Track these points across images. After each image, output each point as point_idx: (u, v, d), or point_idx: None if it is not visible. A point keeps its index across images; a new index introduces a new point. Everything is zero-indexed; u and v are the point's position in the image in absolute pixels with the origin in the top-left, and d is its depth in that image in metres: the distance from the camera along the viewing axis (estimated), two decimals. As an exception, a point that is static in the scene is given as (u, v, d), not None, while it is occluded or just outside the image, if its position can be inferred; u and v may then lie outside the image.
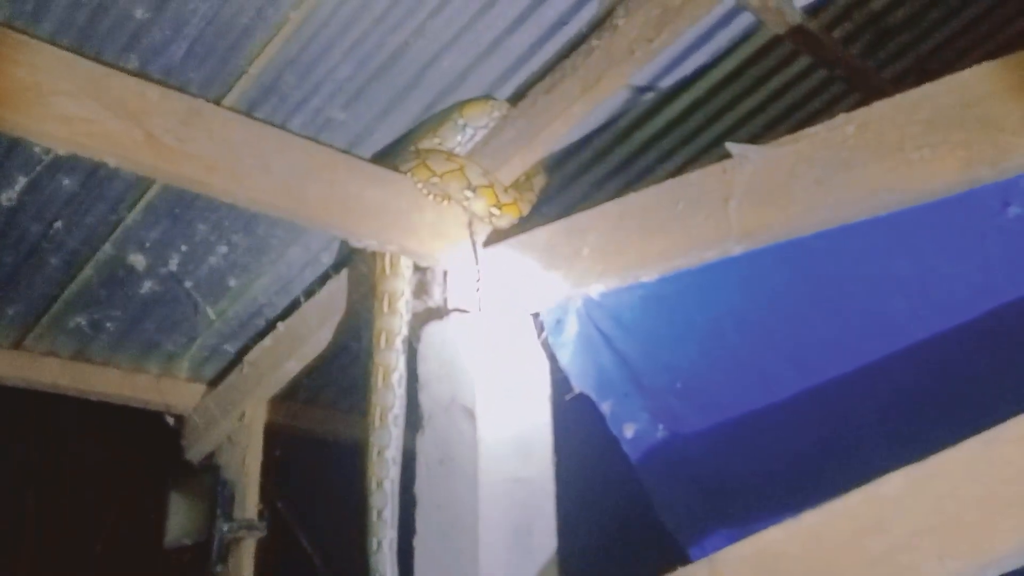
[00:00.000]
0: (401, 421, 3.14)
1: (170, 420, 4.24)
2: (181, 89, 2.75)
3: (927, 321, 2.24)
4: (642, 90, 3.18)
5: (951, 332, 2.19)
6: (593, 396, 3.02)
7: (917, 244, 2.21)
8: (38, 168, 3.04)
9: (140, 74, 2.67)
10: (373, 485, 3.11)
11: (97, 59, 2.58)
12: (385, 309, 3.16)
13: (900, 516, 1.84)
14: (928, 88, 2.15)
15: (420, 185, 3.04)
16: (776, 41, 3.11)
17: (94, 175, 3.10)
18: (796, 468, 2.48)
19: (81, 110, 2.47)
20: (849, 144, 2.26)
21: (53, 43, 2.50)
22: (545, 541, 2.89)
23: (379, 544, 3.07)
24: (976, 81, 2.07)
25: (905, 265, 2.24)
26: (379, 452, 3.11)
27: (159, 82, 2.70)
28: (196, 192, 3.01)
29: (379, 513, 3.09)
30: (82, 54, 2.55)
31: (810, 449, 2.47)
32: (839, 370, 2.41)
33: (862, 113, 2.28)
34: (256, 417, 4.13)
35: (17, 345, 3.83)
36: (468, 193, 3.01)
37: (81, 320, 3.80)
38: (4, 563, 4.25)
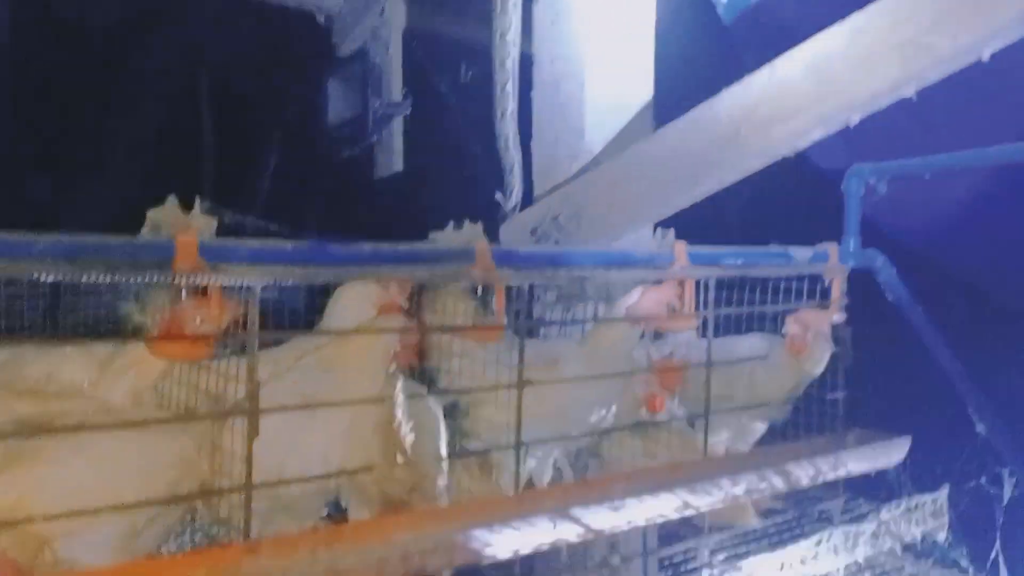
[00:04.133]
0: (519, 7, 3.50)
1: (320, 19, 4.79)
2: None
3: None
4: None
5: None
6: (692, -40, 3.29)
7: None
8: None
9: None
10: (497, 63, 3.55)
11: None
12: None
13: (927, 5, 2.16)
14: None
15: None
16: None
17: None
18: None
19: None
20: None
21: None
22: (643, 89, 3.35)
23: (503, 112, 3.58)
24: None
25: None
26: (501, 35, 3.51)
27: None
28: None
29: (503, 87, 3.57)
30: None
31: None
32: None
33: None
34: (396, 12, 4.63)
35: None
36: None
37: (235, -79, 4.24)
38: (192, 141, 5.09)
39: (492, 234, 3.58)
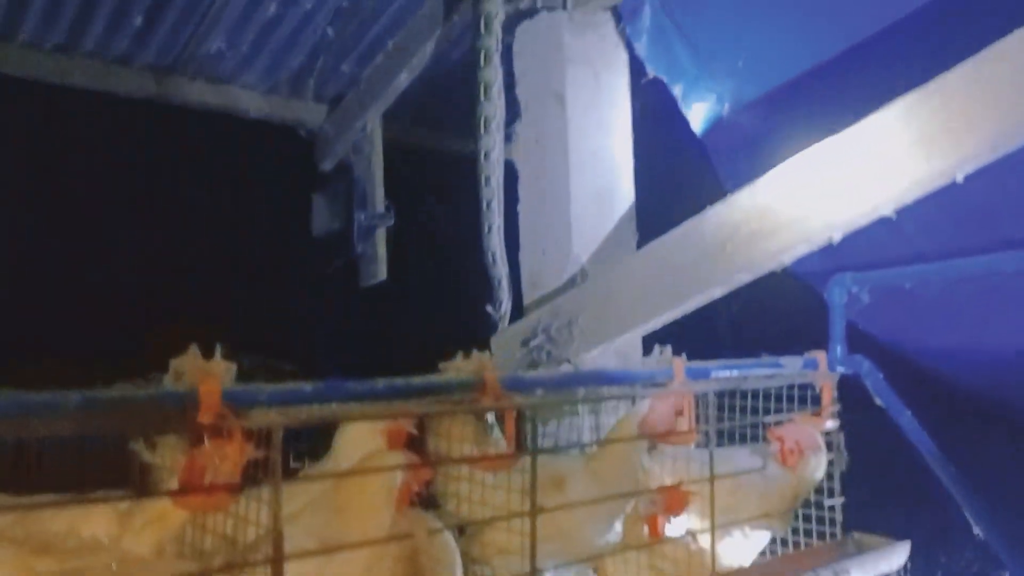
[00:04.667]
0: (502, 127, 3.62)
1: (303, 134, 4.91)
2: None
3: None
4: None
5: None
6: (665, 80, 3.45)
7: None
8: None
9: None
10: (482, 181, 3.64)
11: None
12: (483, 31, 3.55)
13: (901, 131, 2.30)
14: None
15: None
16: None
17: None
18: (841, 124, 2.87)
19: None
20: None
21: None
22: (625, 201, 3.48)
23: (489, 228, 3.65)
24: None
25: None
26: (486, 155, 3.61)
27: None
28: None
29: (488, 204, 3.65)
30: None
31: (850, 104, 2.87)
32: (879, 27, 2.76)
33: None
34: (375, 128, 4.77)
35: (170, 71, 4.46)
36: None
37: (220, 44, 4.36)
38: (175, 258, 5.14)
39: (479, 343, 3.64)
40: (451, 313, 4.27)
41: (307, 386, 1.80)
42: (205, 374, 1.66)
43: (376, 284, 4.70)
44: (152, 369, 1.77)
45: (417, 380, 1.97)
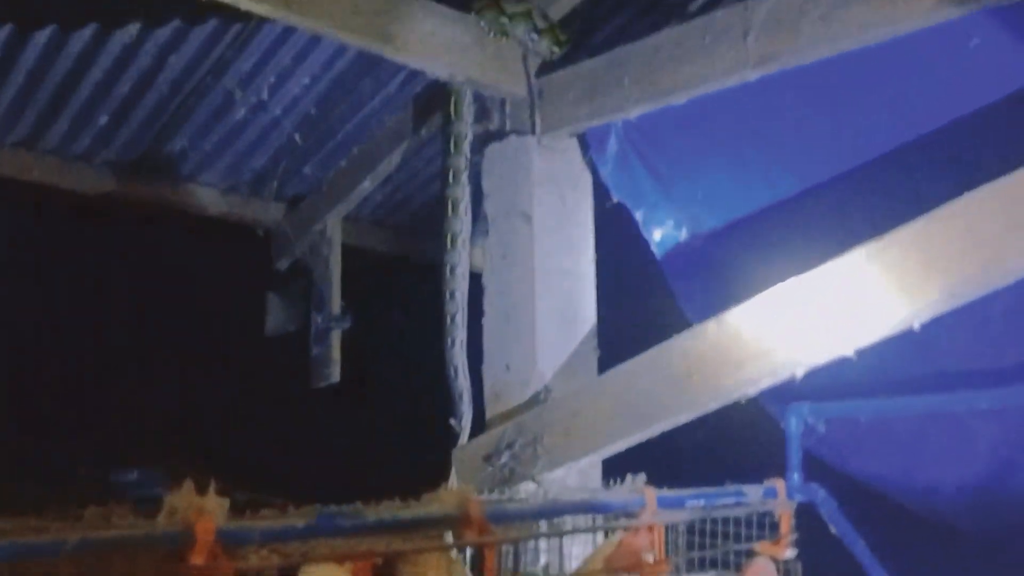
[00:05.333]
0: (468, 243, 3.69)
1: (260, 233, 4.92)
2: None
3: (903, 133, 2.77)
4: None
5: (922, 141, 2.72)
6: (628, 205, 3.60)
7: (898, 71, 2.70)
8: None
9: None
10: (447, 295, 3.67)
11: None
12: (452, 150, 3.67)
13: (862, 279, 2.45)
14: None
15: (484, 24, 3.49)
16: None
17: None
18: (794, 259, 3.04)
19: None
20: (849, -16, 2.71)
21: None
22: (587, 322, 3.57)
23: (453, 341, 3.66)
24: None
25: (889, 86, 2.75)
26: (451, 269, 3.66)
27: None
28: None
29: (452, 317, 3.67)
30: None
31: (806, 242, 3.05)
32: (832, 174, 2.96)
33: (861, -42, 2.71)
34: (335, 231, 4.81)
35: (131, 168, 4.45)
36: (534, 36, 3.47)
37: (183, 143, 4.39)
38: (127, 354, 5.05)
39: (437, 450, 3.64)
40: (409, 419, 4.26)
41: (299, 523, 1.78)
42: (200, 512, 1.64)
43: (330, 388, 4.67)
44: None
45: (406, 514, 1.97)
